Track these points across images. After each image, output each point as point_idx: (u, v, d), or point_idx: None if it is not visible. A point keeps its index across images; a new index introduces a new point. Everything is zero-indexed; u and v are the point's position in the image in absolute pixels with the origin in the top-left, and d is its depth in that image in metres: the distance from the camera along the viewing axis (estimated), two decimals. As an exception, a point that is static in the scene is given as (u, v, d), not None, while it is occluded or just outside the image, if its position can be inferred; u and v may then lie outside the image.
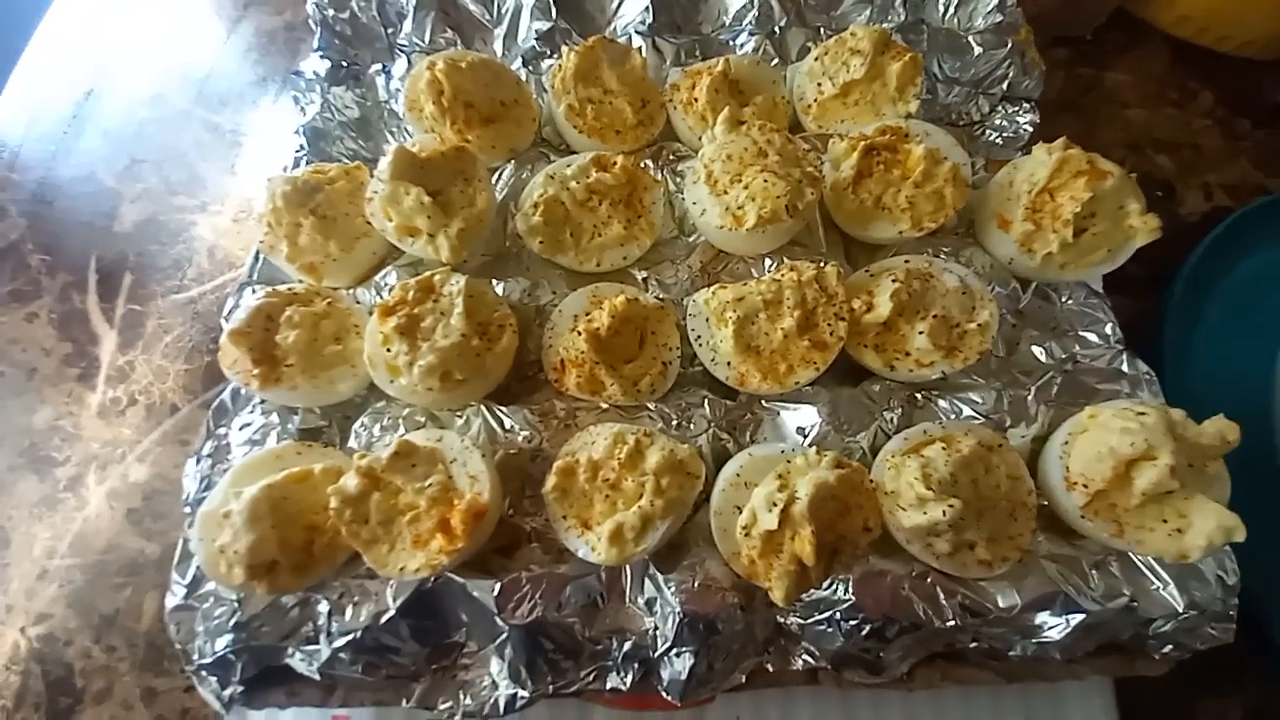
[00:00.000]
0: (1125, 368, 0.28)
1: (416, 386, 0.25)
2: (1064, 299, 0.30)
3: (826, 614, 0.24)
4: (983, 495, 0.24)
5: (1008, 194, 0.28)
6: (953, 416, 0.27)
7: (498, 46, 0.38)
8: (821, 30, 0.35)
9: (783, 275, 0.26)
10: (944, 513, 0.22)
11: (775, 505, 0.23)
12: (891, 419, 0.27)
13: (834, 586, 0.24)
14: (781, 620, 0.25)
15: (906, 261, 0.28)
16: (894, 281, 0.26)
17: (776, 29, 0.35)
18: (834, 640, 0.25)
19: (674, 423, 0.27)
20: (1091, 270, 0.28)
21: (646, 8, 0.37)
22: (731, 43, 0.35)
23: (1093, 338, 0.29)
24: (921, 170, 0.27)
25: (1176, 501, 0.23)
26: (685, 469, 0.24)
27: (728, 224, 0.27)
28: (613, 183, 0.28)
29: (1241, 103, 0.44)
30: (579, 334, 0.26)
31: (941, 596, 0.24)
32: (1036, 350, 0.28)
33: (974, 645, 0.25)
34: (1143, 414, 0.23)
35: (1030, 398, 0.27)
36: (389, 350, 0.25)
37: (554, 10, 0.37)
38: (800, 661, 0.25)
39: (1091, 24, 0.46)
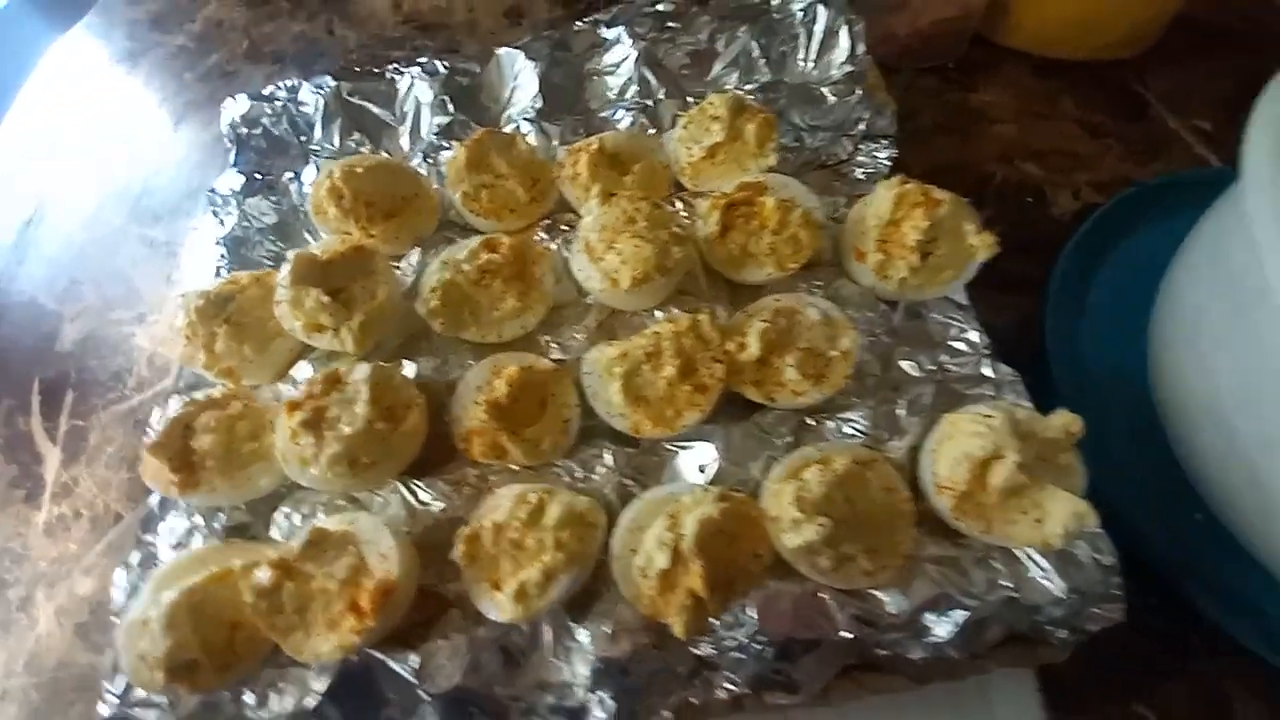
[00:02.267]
0: (990, 373, 0.30)
1: (327, 475, 0.26)
2: (932, 314, 0.32)
3: (737, 640, 0.25)
4: (859, 510, 0.25)
5: (861, 228, 0.31)
6: (838, 437, 0.29)
7: (404, 143, 0.41)
8: (688, 99, 0.38)
9: (661, 329, 0.28)
10: (816, 532, 0.24)
11: (665, 544, 0.24)
12: (782, 445, 0.29)
13: (739, 613, 0.26)
14: (699, 652, 0.26)
15: (777, 300, 0.30)
16: (762, 322, 0.28)
17: (651, 103, 0.38)
18: (748, 665, 0.26)
19: (580, 475, 0.29)
20: (944, 287, 0.30)
21: (536, 95, 0.40)
22: (612, 119, 0.39)
23: (961, 346, 0.31)
24: (776, 219, 0.30)
25: (1033, 494, 0.25)
26: (585, 520, 0.26)
27: (607, 287, 0.29)
28: (502, 261, 0.30)
29: (1103, 102, 0.48)
30: (479, 404, 0.28)
31: (834, 610, 0.25)
32: (908, 365, 0.31)
33: (883, 654, 0.26)
34: (989, 417, 0.25)
35: (904, 411, 0.29)
36: (298, 444, 0.27)
37: (451, 106, 0.40)
38: (723, 690, 0.26)
39: (953, 54, 0.50)
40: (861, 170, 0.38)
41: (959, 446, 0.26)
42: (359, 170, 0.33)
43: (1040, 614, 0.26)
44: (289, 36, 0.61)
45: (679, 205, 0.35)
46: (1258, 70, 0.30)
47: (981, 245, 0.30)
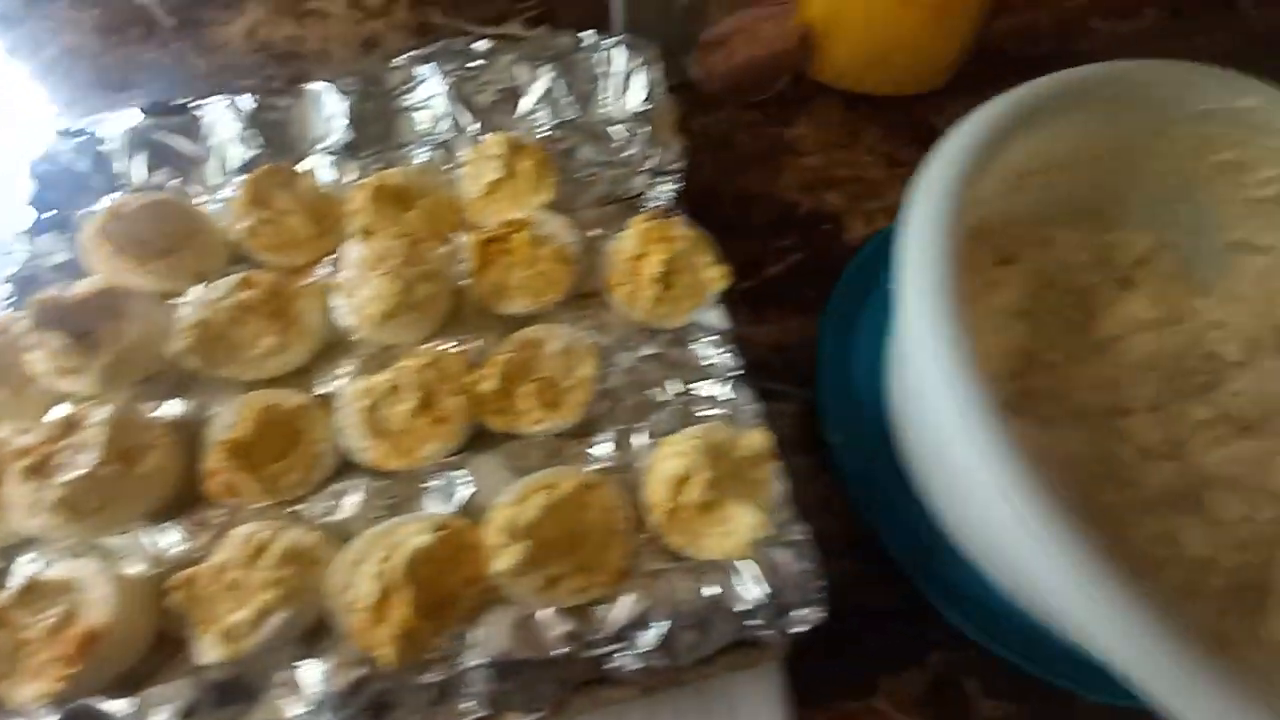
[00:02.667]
0: (731, 394, 0.32)
1: (51, 522, 0.27)
2: (692, 341, 0.34)
3: (463, 665, 0.27)
4: (574, 532, 0.27)
5: (614, 261, 0.33)
6: (587, 461, 0.31)
7: (210, 178, 0.42)
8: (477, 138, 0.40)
9: (406, 363, 0.30)
10: (517, 555, 0.25)
11: (376, 576, 0.25)
12: (530, 471, 0.30)
13: (461, 638, 0.27)
14: (428, 680, 0.27)
15: (533, 331, 0.32)
16: (503, 354, 0.30)
17: (454, 139, 0.40)
18: (479, 688, 0.27)
19: (326, 510, 0.30)
20: (688, 315, 0.33)
21: (347, 128, 0.41)
22: (412, 155, 0.40)
23: (713, 370, 0.33)
24: (527, 255, 0.32)
25: (725, 508, 0.27)
26: (309, 557, 0.27)
27: (360, 323, 0.30)
28: (258, 298, 0.31)
29: (903, 134, 0.52)
30: (220, 444, 0.28)
31: (548, 629, 0.26)
32: (660, 390, 0.33)
33: (606, 667, 0.28)
34: (694, 439, 0.28)
35: (644, 435, 0.31)
36: (21, 491, 0.27)
37: (260, 140, 0.41)
38: (464, 714, 0.27)
39: (772, 89, 0.53)
40: (653, 204, 0.40)
41: (663, 467, 0.28)
42: (127, 210, 0.33)
43: (748, 620, 0.28)
44: (138, 66, 0.61)
45: (464, 239, 0.36)
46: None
47: (718, 277, 0.32)
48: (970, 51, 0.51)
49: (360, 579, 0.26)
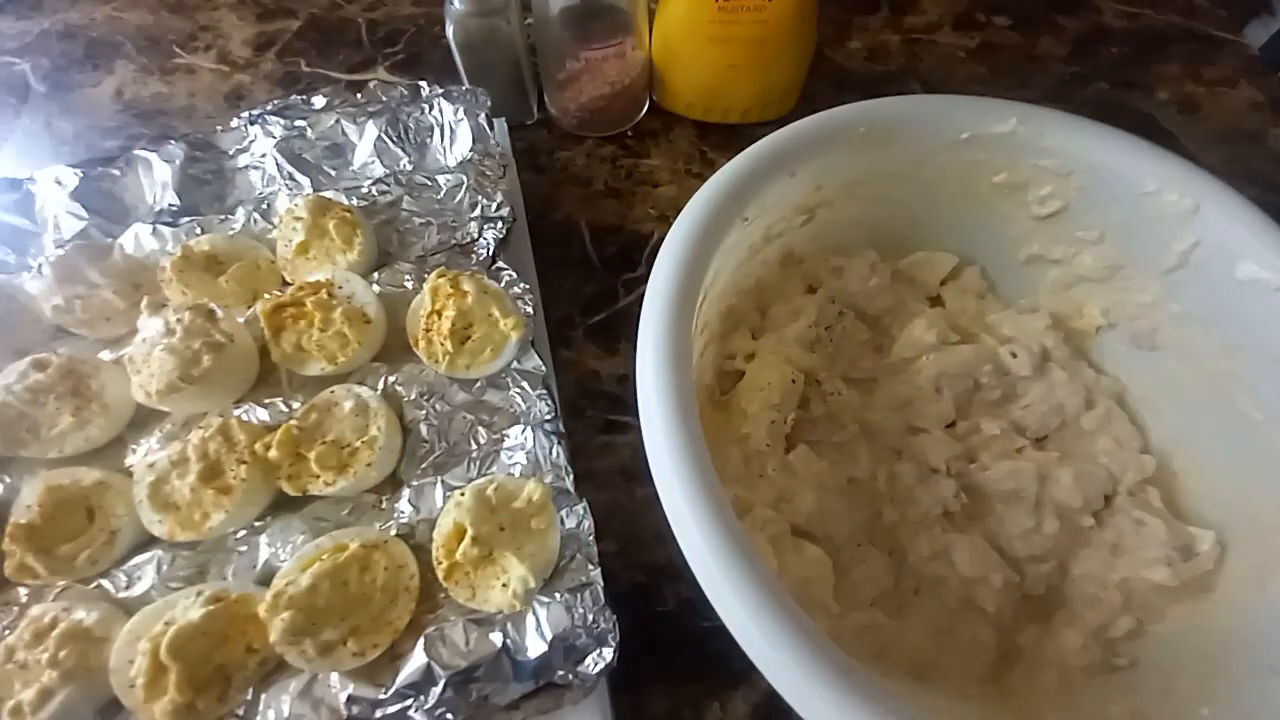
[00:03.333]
0: (529, 441, 0.33)
1: None
2: (512, 388, 0.35)
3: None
4: (353, 594, 0.27)
5: (416, 317, 0.34)
6: (389, 517, 0.31)
7: (47, 250, 0.42)
8: (332, 192, 0.40)
9: (193, 435, 0.30)
10: (282, 624, 0.26)
11: (147, 653, 0.26)
12: (330, 531, 0.31)
13: (248, 707, 0.27)
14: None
15: (332, 392, 0.32)
16: (293, 420, 0.30)
17: (266, 204, 0.40)
18: (274, 754, 0.27)
19: (124, 584, 0.30)
20: (489, 366, 0.33)
21: (173, 194, 0.41)
22: (230, 218, 0.40)
23: (521, 415, 0.34)
24: (320, 318, 0.32)
25: (502, 560, 0.27)
26: (90, 635, 0.27)
27: (143, 398, 0.31)
28: (52, 379, 0.31)
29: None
30: (11, 526, 0.29)
31: (333, 695, 0.27)
32: (469, 441, 0.33)
33: (401, 723, 0.28)
34: (475, 492, 0.28)
35: (440, 488, 0.31)
36: None
37: (87, 209, 0.41)
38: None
39: (626, 123, 0.54)
40: (481, 250, 0.40)
41: (444, 522, 0.28)
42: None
43: (542, 665, 0.28)
44: (8, 133, 0.61)
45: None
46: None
47: (513, 328, 0.33)
48: (805, 77, 0.53)
49: (135, 655, 0.26)
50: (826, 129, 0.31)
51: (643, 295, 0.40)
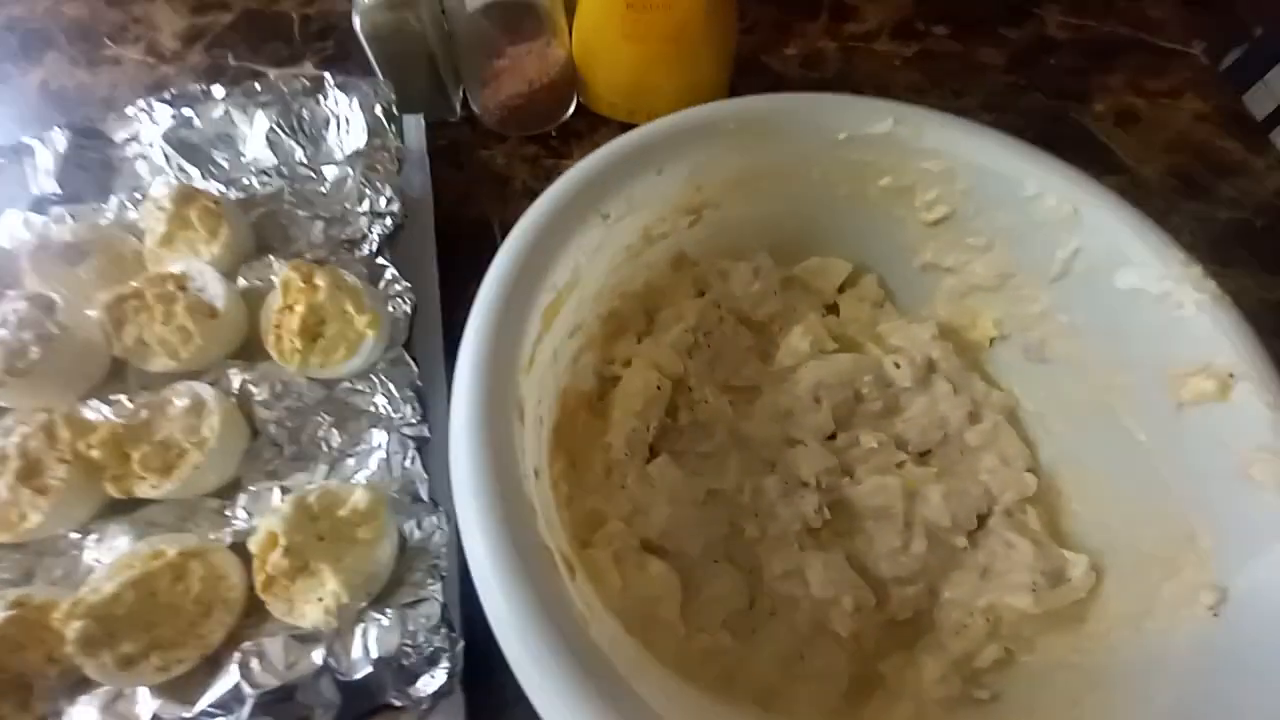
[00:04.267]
0: (381, 443, 0.31)
1: None
2: (368, 389, 0.33)
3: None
4: (162, 604, 0.26)
5: (269, 312, 0.32)
6: (223, 520, 0.30)
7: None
8: (220, 184, 0.39)
9: (17, 433, 0.29)
10: (73, 633, 0.24)
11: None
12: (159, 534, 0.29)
13: (62, 715, 0.25)
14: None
15: (171, 390, 0.31)
16: (119, 417, 0.29)
17: (140, 193, 0.39)
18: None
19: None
20: (343, 366, 0.32)
21: (57, 183, 0.40)
22: (102, 207, 0.39)
23: (385, 416, 0.32)
24: (162, 311, 0.31)
25: (319, 573, 0.26)
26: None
27: None
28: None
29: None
30: None
31: (141, 708, 0.25)
32: (320, 445, 0.32)
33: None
34: (296, 499, 0.27)
35: (278, 494, 0.30)
36: None
37: None
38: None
39: (550, 123, 0.53)
40: (367, 246, 0.39)
41: (259, 528, 0.27)
42: None
43: (368, 686, 0.27)
44: (-70, 120, 0.60)
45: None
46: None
47: (368, 324, 0.31)
48: (744, 80, 0.52)
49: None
50: (690, 124, 0.30)
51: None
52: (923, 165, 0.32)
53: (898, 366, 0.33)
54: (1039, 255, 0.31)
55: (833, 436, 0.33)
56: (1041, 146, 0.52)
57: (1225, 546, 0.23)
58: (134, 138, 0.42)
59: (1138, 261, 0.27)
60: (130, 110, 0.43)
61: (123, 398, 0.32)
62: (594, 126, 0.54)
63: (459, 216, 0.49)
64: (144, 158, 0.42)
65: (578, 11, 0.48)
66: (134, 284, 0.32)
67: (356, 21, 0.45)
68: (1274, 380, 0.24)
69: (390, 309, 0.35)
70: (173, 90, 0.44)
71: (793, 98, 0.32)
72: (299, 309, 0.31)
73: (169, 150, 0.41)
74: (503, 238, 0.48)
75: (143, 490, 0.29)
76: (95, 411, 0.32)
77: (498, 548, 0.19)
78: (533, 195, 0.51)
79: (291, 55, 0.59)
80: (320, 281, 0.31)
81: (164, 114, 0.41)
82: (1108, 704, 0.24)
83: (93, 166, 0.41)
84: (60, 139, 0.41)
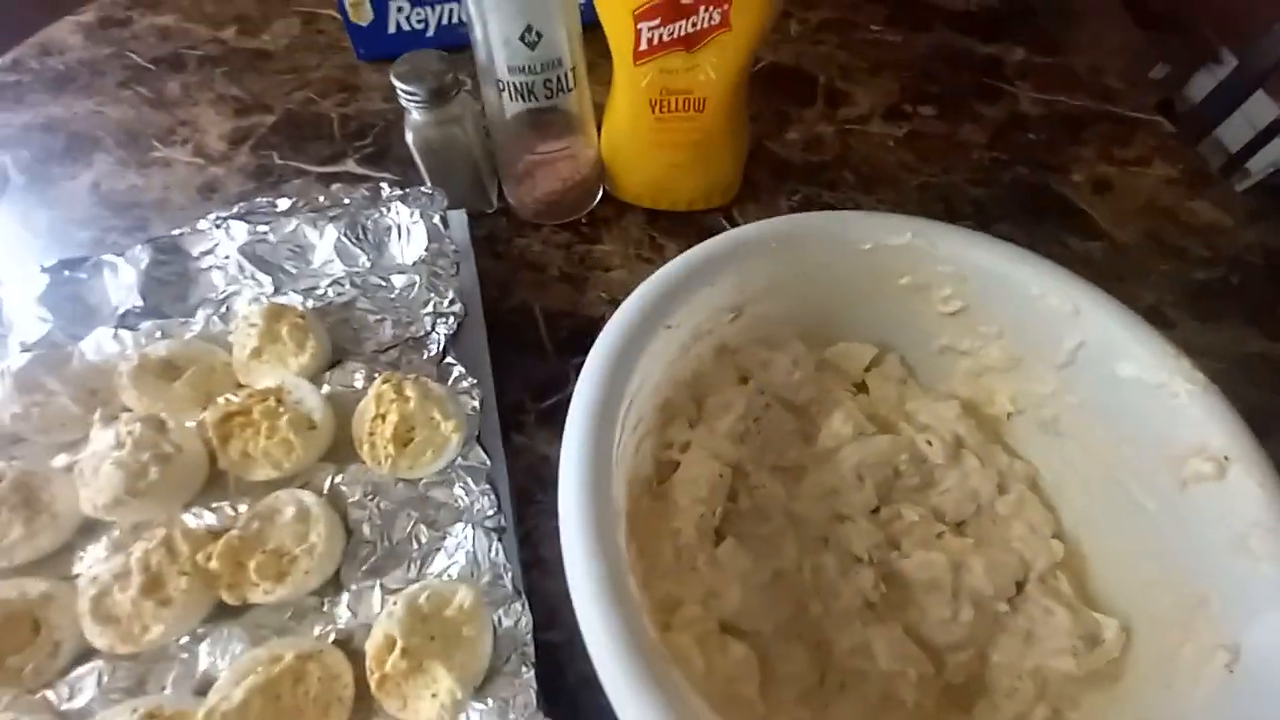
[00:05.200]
0: (480, 539, 0.34)
1: None
2: (451, 484, 0.36)
3: None
4: (286, 707, 0.28)
5: (361, 421, 0.35)
6: (331, 621, 0.32)
7: (11, 354, 0.43)
8: (290, 292, 0.43)
9: (135, 547, 0.31)
10: (209, 746, 0.26)
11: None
12: (269, 639, 0.31)
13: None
14: None
15: (275, 498, 0.33)
16: (235, 529, 0.32)
17: (226, 306, 0.42)
18: None
19: (66, 696, 0.30)
20: (431, 466, 0.35)
21: (136, 296, 0.43)
22: (189, 321, 0.42)
23: (469, 512, 0.35)
24: (266, 426, 0.34)
25: (432, 670, 0.28)
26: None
27: (90, 510, 0.32)
28: (4, 492, 0.32)
29: (696, 243, 0.57)
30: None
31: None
32: (410, 541, 0.34)
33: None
34: (395, 602, 0.29)
35: (378, 592, 0.32)
36: None
37: (50, 314, 0.43)
38: None
39: (580, 211, 0.58)
40: (433, 346, 0.42)
41: (376, 631, 0.29)
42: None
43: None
44: (-17, 225, 0.63)
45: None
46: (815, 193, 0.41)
47: (454, 431, 0.35)
48: (752, 164, 0.57)
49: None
50: (739, 245, 0.34)
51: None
52: (938, 268, 0.36)
53: (930, 444, 0.37)
54: (1045, 344, 0.34)
55: (876, 510, 0.37)
56: (1029, 216, 0.57)
57: (1233, 611, 0.26)
58: (210, 251, 0.45)
59: (1134, 355, 0.31)
60: (203, 224, 0.47)
61: (225, 505, 0.35)
62: (620, 213, 0.59)
63: (501, 304, 0.53)
64: (220, 269, 0.45)
65: (608, 117, 0.53)
66: (236, 400, 0.35)
67: (409, 137, 0.50)
68: (1263, 462, 0.26)
69: (461, 405, 0.38)
70: (240, 205, 0.47)
71: (825, 216, 0.37)
72: (391, 418, 0.34)
73: (244, 261, 0.45)
74: (544, 323, 0.53)
75: (256, 596, 0.31)
76: (198, 519, 0.34)
77: (622, 654, 0.22)
78: (569, 280, 0.57)
79: (333, 155, 0.64)
80: (410, 393, 0.34)
81: (240, 230, 0.45)
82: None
83: (172, 279, 0.45)
84: (143, 255, 0.44)
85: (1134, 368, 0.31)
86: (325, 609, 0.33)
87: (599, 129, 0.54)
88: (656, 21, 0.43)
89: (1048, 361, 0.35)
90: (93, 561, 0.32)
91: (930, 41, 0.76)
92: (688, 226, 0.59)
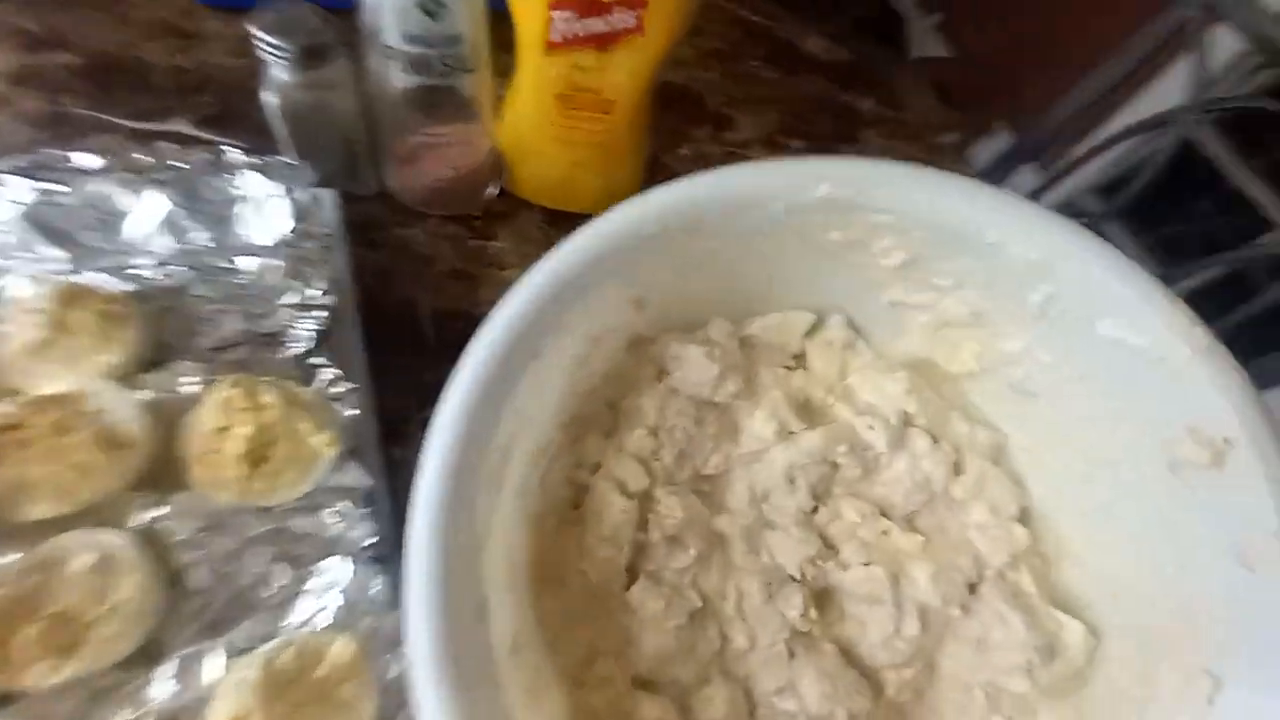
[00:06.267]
0: (358, 574, 0.28)
1: None
2: (316, 509, 0.30)
3: None
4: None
5: (192, 437, 0.28)
6: (146, 705, 0.25)
7: None
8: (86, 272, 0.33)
9: None
10: None
11: None
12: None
13: None
14: None
15: (57, 542, 0.25)
16: (-3, 588, 0.23)
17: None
18: None
19: None
20: (292, 490, 0.29)
21: None
22: None
23: (342, 541, 0.29)
24: (47, 445, 0.25)
25: (297, 746, 0.23)
26: None
27: None
28: None
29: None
30: None
31: None
32: (263, 584, 0.28)
33: None
34: (260, 664, 0.23)
35: (221, 655, 0.26)
36: None
37: None
38: None
39: (473, 205, 0.53)
40: (291, 346, 0.36)
41: (219, 708, 0.23)
42: None
43: None
44: None
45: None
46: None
47: (325, 444, 0.29)
48: (648, 176, 0.57)
49: None
50: (606, 242, 0.28)
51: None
52: (871, 219, 0.29)
53: (871, 428, 0.32)
54: (1011, 297, 0.29)
55: (815, 509, 0.33)
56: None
57: (1221, 630, 0.22)
58: (-26, 212, 0.34)
59: (1117, 310, 0.25)
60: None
61: (-24, 555, 0.25)
62: (516, 209, 0.55)
63: (380, 299, 0.47)
64: (-16, 238, 0.34)
65: (508, 108, 0.50)
66: (9, 410, 0.26)
67: (269, 99, 0.42)
68: (1274, 450, 0.21)
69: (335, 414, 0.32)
70: (26, 158, 0.36)
71: (710, 178, 0.29)
72: (242, 430, 0.27)
73: (26, 229, 0.34)
74: (432, 324, 0.47)
75: (33, 678, 0.23)
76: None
77: None
78: (459, 277, 0.52)
79: (159, 110, 0.52)
80: (269, 399, 0.28)
81: (20, 187, 0.34)
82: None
83: (-102, 248, 0.32)
84: None
85: (1116, 325, 0.25)
86: (134, 687, 0.25)
87: (495, 114, 0.51)
88: (570, 14, 0.41)
89: (1016, 316, 0.29)
90: None
91: (800, 83, 0.83)
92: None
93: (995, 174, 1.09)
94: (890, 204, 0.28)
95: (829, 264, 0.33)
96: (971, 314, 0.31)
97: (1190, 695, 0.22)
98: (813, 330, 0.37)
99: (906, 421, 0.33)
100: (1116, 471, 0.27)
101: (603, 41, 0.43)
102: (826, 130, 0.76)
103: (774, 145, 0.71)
